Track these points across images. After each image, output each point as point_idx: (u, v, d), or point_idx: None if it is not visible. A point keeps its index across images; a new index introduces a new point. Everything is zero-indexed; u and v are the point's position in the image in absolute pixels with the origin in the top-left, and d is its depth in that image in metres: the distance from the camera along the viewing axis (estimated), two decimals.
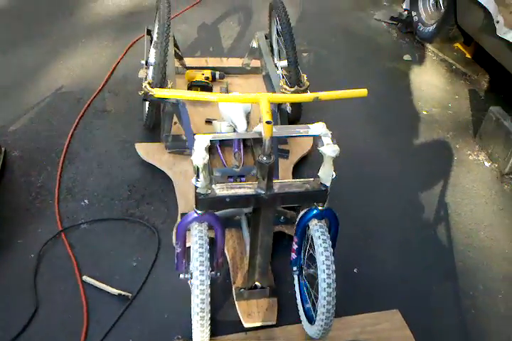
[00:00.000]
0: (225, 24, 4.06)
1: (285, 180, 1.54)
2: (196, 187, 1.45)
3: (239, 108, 1.97)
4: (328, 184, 1.49)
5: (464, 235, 2.40)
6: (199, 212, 1.51)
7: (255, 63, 3.17)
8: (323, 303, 1.53)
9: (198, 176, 1.42)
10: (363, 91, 1.46)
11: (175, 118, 2.47)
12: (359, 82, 3.41)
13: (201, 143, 1.37)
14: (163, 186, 2.45)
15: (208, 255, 1.51)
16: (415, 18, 3.75)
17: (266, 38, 2.93)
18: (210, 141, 1.41)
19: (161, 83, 2.20)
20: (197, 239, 1.50)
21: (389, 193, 2.58)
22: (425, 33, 3.63)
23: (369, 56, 3.79)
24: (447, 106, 3.33)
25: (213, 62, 3.27)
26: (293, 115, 2.66)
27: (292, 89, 2.38)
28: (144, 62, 2.60)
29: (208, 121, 2.70)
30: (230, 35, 3.90)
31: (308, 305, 1.84)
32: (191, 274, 1.60)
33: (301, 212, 1.64)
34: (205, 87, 2.85)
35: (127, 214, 2.30)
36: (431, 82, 3.57)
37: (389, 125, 3.08)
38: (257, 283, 1.81)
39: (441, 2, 3.55)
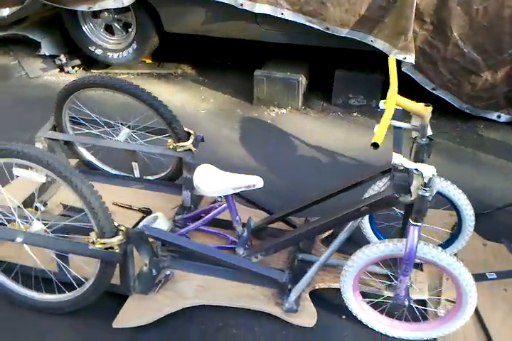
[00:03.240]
0: None
1: None
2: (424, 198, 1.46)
3: None
4: None
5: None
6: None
7: None
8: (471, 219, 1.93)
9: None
10: None
11: None
12: None
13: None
14: None
15: None
16: (98, 52, 3.61)
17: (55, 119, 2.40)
18: None
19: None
20: None
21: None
22: (125, 57, 3.58)
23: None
24: (210, 100, 3.55)
25: None
26: None
27: (189, 142, 2.20)
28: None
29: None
30: None
31: None
32: None
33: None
34: None
35: None
36: (173, 95, 3.59)
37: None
38: None
39: (117, 25, 3.54)
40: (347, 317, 1.90)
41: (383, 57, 3.07)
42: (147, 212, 2.33)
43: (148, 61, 4.13)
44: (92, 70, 3.95)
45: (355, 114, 3.38)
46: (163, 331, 1.89)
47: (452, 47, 2.71)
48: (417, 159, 1.57)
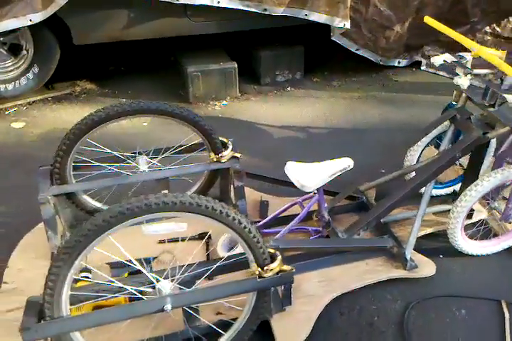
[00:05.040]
0: None
1: None
2: None
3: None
4: None
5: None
6: None
7: None
8: None
9: None
10: None
11: None
12: None
13: None
14: None
15: None
16: None
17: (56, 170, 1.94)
18: None
19: None
20: None
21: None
22: (25, 85, 2.94)
23: None
24: None
25: None
26: None
27: (230, 149, 2.10)
28: None
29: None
30: None
31: None
32: None
33: None
34: None
35: None
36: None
37: None
38: None
39: (2, 50, 2.84)
40: (444, 255, 2.15)
41: (301, 30, 3.30)
42: (208, 236, 2.13)
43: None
44: None
45: (288, 88, 3.51)
46: (315, 336, 1.84)
47: (372, 8, 3.04)
48: (493, 97, 1.83)
